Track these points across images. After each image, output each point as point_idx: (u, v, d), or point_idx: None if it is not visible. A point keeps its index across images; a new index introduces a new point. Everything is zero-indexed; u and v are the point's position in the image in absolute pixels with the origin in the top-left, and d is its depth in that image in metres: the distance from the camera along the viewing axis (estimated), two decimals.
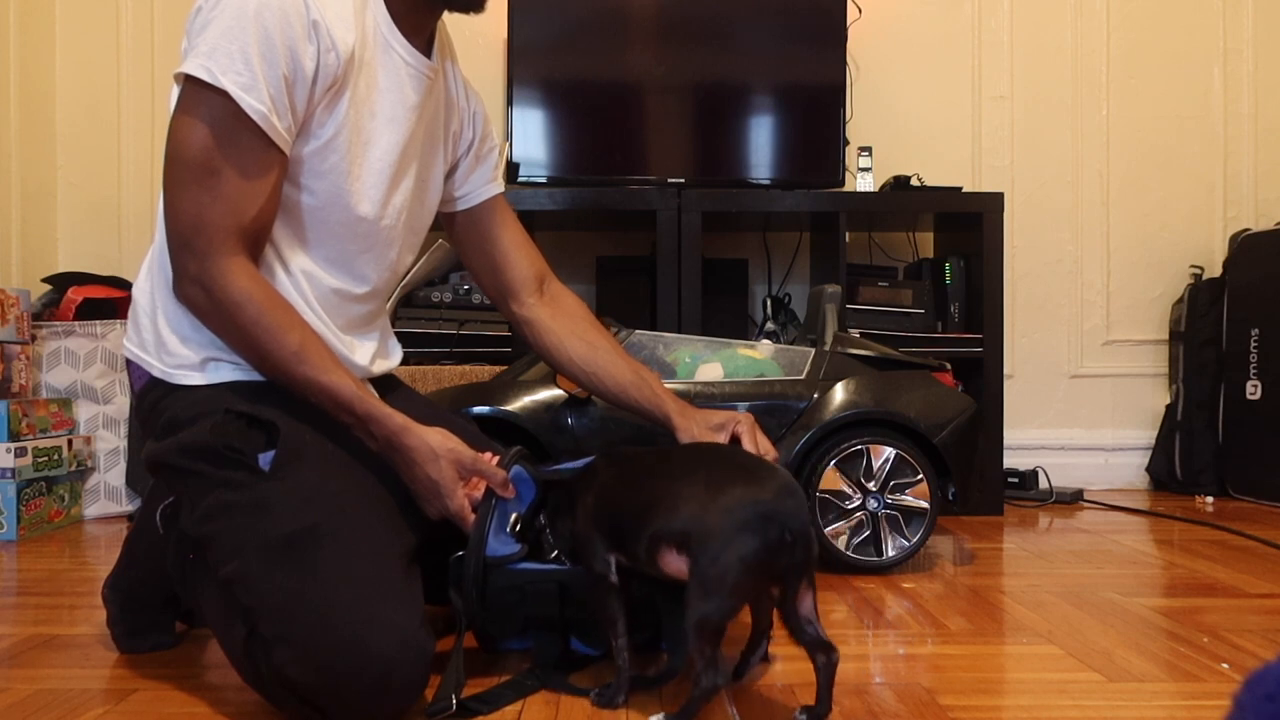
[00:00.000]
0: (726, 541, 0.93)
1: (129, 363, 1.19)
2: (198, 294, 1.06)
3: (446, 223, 1.42)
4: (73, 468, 2.31)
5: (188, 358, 1.12)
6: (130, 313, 1.20)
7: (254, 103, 1.03)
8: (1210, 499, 2.62)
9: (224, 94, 1.03)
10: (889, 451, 1.75)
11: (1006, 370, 2.71)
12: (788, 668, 1.20)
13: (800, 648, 0.99)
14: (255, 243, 1.09)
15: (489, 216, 1.40)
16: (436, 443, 1.09)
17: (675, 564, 0.99)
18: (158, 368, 1.14)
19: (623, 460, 1.13)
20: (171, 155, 1.06)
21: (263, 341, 1.06)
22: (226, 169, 1.04)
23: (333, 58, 1.09)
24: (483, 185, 1.40)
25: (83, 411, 2.40)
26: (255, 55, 1.03)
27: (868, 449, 1.75)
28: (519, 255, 1.40)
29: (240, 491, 1.05)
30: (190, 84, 1.05)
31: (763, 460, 1.08)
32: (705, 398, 1.77)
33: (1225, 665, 1.22)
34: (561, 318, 1.39)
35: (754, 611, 1.12)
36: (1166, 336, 2.87)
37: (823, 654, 0.98)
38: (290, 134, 1.09)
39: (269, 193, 1.08)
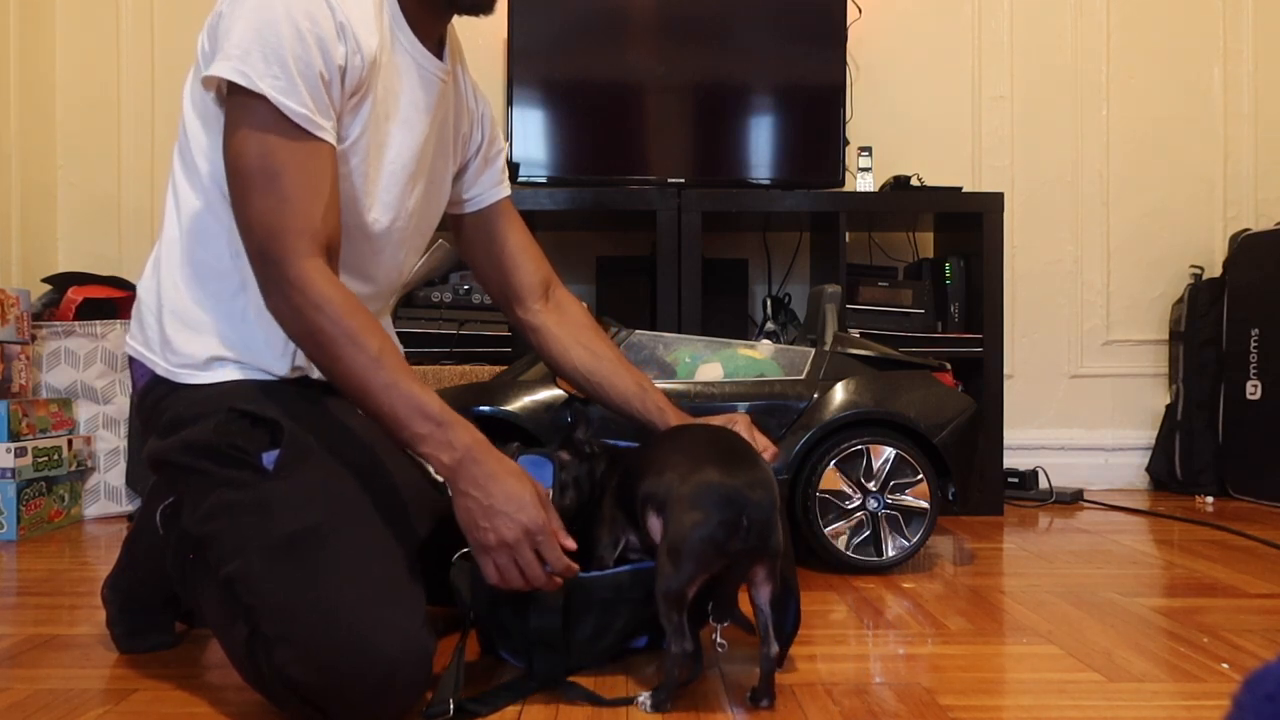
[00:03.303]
0: (689, 513, 1.02)
1: (131, 360, 1.19)
2: (280, 302, 1.04)
3: (454, 225, 1.42)
4: (73, 468, 2.31)
5: (192, 357, 1.12)
6: (134, 310, 1.19)
7: (295, 106, 1.02)
8: (1210, 499, 2.62)
9: (265, 99, 1.01)
10: (889, 451, 1.75)
11: (1006, 370, 2.71)
12: (793, 667, 1.20)
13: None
14: (329, 246, 1.07)
15: (497, 219, 1.40)
16: (519, 467, 1.07)
17: (655, 527, 1.09)
18: (162, 366, 1.14)
19: (649, 441, 1.24)
20: (232, 171, 1.05)
21: (342, 345, 1.02)
22: (286, 172, 1.03)
23: (359, 60, 1.09)
24: (491, 188, 1.39)
25: (83, 411, 2.40)
26: (290, 57, 1.02)
27: (868, 449, 1.75)
28: (525, 260, 1.40)
29: (243, 491, 1.05)
30: (232, 94, 1.04)
31: (753, 453, 1.13)
32: (705, 398, 1.77)
33: (1225, 665, 1.22)
34: (567, 325, 1.39)
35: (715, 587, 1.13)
36: (1166, 336, 2.87)
37: (765, 646, 1.06)
38: (333, 133, 1.07)
39: (331, 188, 1.07)
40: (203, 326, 1.12)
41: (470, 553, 1.12)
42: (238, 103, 1.04)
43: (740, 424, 1.31)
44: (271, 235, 1.03)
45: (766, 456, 1.22)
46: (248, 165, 1.03)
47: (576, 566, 1.07)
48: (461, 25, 1.26)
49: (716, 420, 1.32)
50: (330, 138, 1.06)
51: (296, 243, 1.03)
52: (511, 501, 1.02)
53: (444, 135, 1.29)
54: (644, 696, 1.05)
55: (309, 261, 1.03)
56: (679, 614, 1.02)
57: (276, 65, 1.02)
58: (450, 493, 1.05)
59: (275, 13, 1.02)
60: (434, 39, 1.22)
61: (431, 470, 1.17)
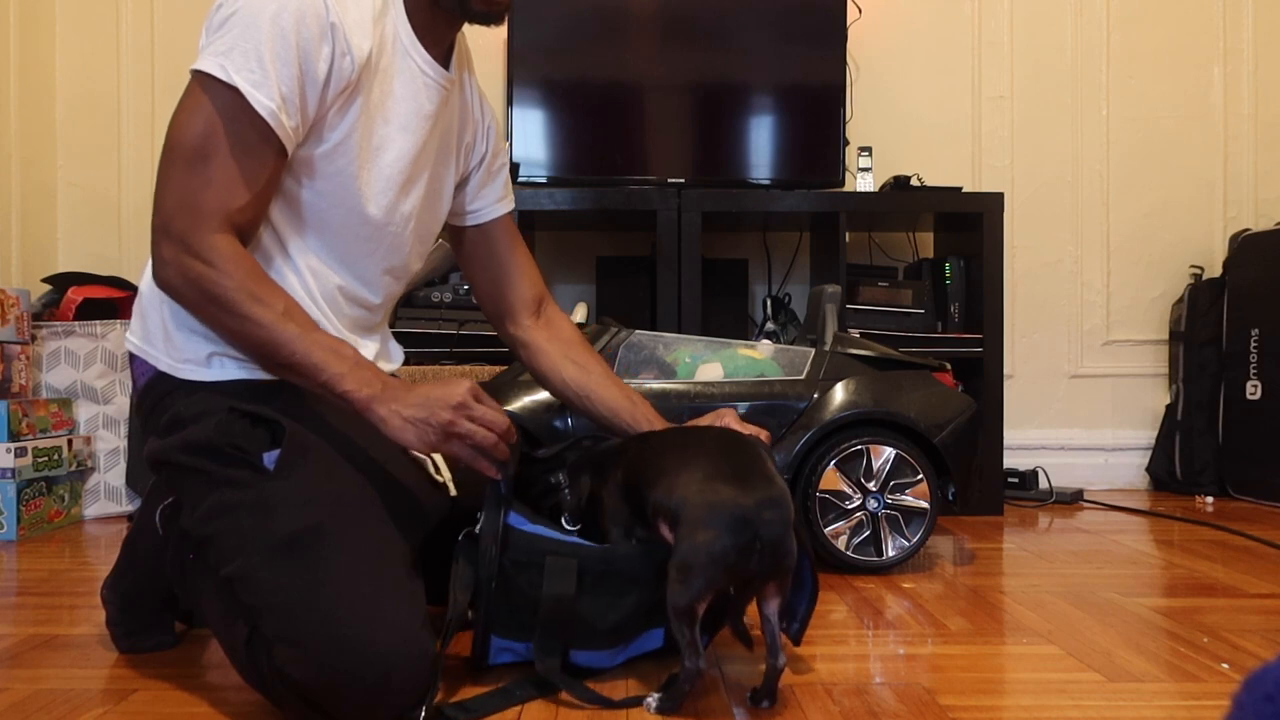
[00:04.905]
0: (701, 532, 1.01)
1: (132, 357, 1.19)
2: (174, 274, 1.04)
3: (454, 236, 1.42)
4: (73, 468, 2.31)
5: (194, 352, 1.12)
6: (136, 307, 1.19)
7: (264, 99, 1.03)
8: (1210, 499, 2.62)
9: (234, 89, 1.03)
10: (889, 451, 1.75)
11: (1006, 370, 2.71)
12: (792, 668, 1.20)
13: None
14: (240, 232, 1.07)
15: (498, 235, 1.40)
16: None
17: (667, 536, 1.08)
18: (164, 361, 1.14)
19: (651, 437, 1.23)
20: (168, 141, 1.06)
21: (247, 304, 1.03)
22: (219, 157, 1.04)
23: (348, 62, 1.09)
24: (493, 203, 1.39)
25: (83, 411, 2.40)
26: (269, 54, 1.03)
27: (868, 449, 1.75)
28: (522, 277, 1.40)
29: (244, 491, 1.05)
30: (201, 77, 1.05)
31: (767, 468, 1.10)
32: (705, 398, 1.77)
33: (1225, 665, 1.22)
34: (556, 341, 1.40)
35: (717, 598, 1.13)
36: (1166, 336, 2.87)
37: (771, 656, 1.06)
38: (297, 134, 1.08)
39: (259, 189, 1.07)
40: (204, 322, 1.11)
41: (463, 542, 1.12)
42: (205, 83, 1.05)
43: (728, 417, 1.31)
44: (181, 211, 1.04)
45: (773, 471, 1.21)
46: (185, 141, 1.05)
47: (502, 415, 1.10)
48: (463, 27, 1.26)
49: (705, 419, 1.32)
50: (287, 138, 1.07)
51: (209, 220, 1.04)
52: (437, 389, 1.05)
53: (446, 142, 1.29)
54: (651, 697, 1.06)
55: (217, 236, 1.04)
56: (690, 628, 1.01)
57: (254, 60, 1.03)
58: (377, 421, 1.05)
59: (265, 10, 1.03)
60: (442, 46, 1.23)
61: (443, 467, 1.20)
